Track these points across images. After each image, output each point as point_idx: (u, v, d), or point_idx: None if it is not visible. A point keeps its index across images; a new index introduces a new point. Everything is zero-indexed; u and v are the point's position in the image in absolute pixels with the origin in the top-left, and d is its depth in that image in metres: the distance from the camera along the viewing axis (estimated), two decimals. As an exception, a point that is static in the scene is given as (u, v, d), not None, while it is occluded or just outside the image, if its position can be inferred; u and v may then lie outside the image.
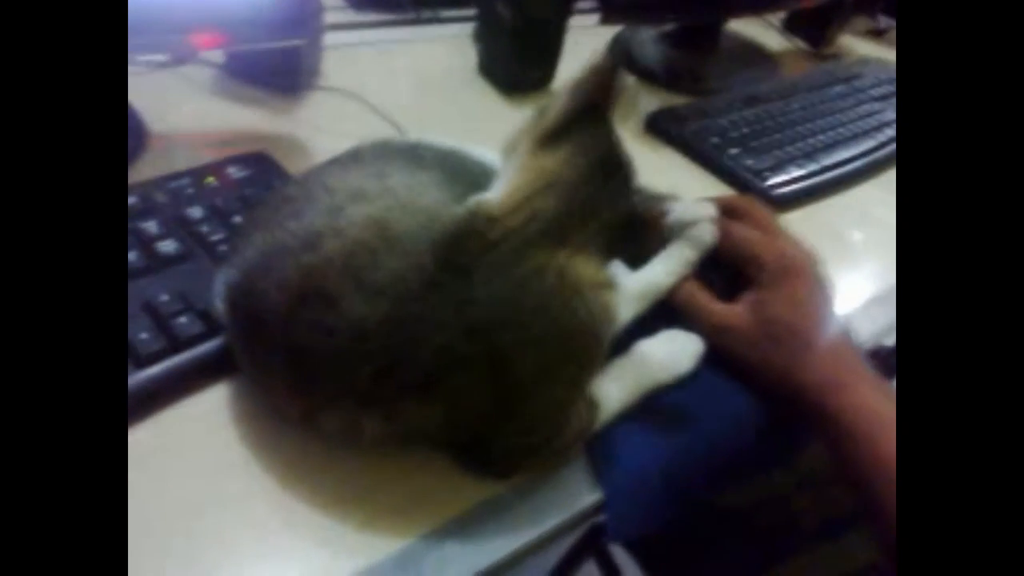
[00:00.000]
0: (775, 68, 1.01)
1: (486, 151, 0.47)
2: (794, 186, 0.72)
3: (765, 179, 0.71)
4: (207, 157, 0.57)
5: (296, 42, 0.65)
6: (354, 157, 0.43)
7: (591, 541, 1.01)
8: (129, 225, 0.48)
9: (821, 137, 0.80)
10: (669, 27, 0.99)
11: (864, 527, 0.68)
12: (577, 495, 0.42)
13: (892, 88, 0.95)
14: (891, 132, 0.84)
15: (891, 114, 0.88)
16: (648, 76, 0.92)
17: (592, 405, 0.42)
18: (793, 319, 0.46)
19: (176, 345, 0.42)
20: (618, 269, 0.52)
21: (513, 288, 0.36)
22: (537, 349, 0.37)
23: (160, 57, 0.69)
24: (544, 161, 0.40)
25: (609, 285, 0.41)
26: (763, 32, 1.12)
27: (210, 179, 0.55)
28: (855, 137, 0.82)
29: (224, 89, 0.70)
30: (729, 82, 0.93)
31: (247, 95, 0.70)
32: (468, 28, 0.92)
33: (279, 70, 0.71)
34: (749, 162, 0.73)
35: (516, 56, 0.79)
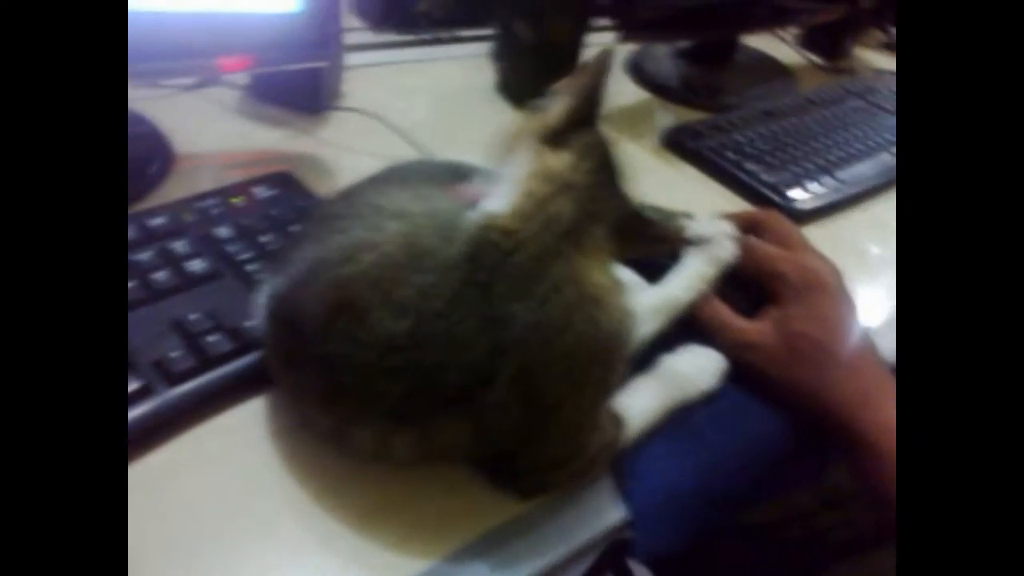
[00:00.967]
0: (790, 83, 1.01)
1: None
2: (812, 201, 0.72)
3: (783, 194, 0.71)
4: (233, 177, 0.58)
5: (318, 64, 0.66)
6: (400, 176, 0.44)
7: (610, 557, 1.00)
8: (159, 245, 0.49)
9: (838, 152, 0.80)
10: (685, 43, 1.00)
11: (890, 546, 0.67)
12: (603, 512, 0.42)
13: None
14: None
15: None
16: (664, 92, 0.92)
17: (617, 420, 0.42)
18: (818, 335, 0.46)
19: (207, 363, 0.43)
20: (637, 284, 0.52)
21: (535, 303, 0.35)
22: (562, 362, 0.36)
23: (187, 80, 0.70)
24: (551, 162, 0.39)
25: (623, 291, 0.41)
26: (778, 47, 1.12)
27: (237, 199, 0.55)
28: (872, 151, 0.82)
29: (248, 110, 0.71)
30: (745, 97, 0.93)
31: (271, 116, 0.71)
32: (485, 48, 0.93)
33: (301, 91, 0.72)
34: (767, 177, 0.73)
35: (534, 75, 0.80)
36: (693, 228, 0.52)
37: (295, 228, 0.53)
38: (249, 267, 0.49)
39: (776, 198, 0.71)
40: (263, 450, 0.41)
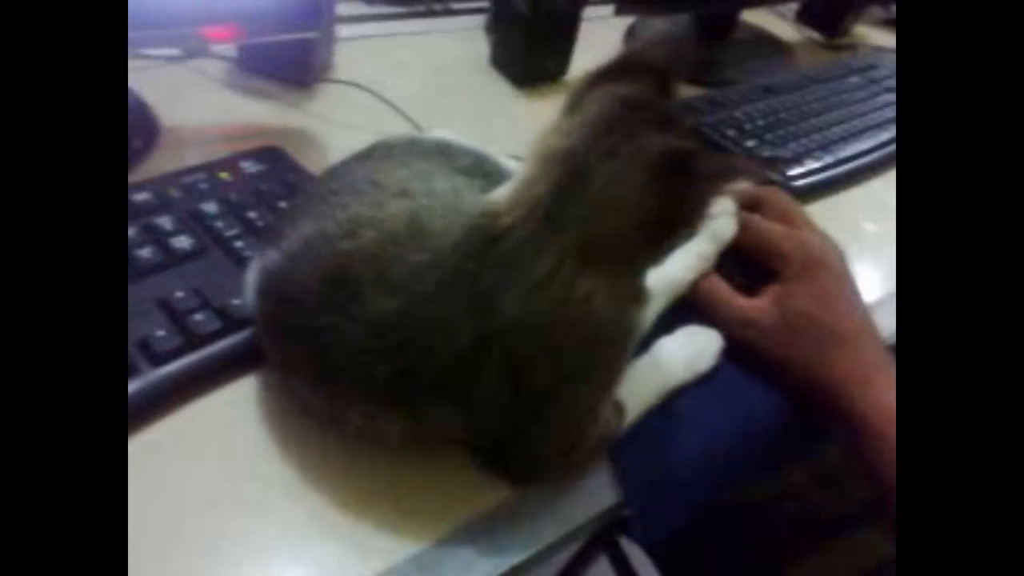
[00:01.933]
0: (789, 59, 1.00)
1: (510, 161, 0.46)
2: (811, 178, 0.71)
3: (782, 171, 0.70)
4: (220, 151, 0.57)
5: (308, 35, 0.64)
6: (387, 154, 0.43)
7: (602, 536, 1.01)
8: (143, 221, 0.47)
9: (837, 129, 0.79)
10: (683, 17, 0.98)
11: (883, 522, 0.67)
12: (598, 494, 0.42)
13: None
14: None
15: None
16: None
17: (619, 410, 0.41)
18: (817, 313, 0.46)
19: (193, 342, 0.42)
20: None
21: (520, 295, 0.34)
22: (550, 357, 0.36)
23: (172, 51, 0.68)
24: (548, 138, 0.37)
25: (636, 298, 0.39)
26: (776, 23, 1.11)
27: (224, 174, 0.54)
28: (871, 129, 0.81)
29: (236, 83, 0.69)
30: (744, 73, 0.92)
31: (259, 89, 0.69)
32: (479, 20, 0.91)
33: (291, 63, 0.70)
34: (766, 154, 0.72)
35: (530, 48, 0.78)
36: None
37: (284, 203, 0.51)
38: (237, 243, 0.48)
39: (775, 175, 0.70)
40: (251, 431, 0.41)
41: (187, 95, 0.66)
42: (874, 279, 0.63)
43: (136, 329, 0.41)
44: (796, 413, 0.48)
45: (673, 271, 0.48)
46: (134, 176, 0.54)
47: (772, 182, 0.69)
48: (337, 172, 0.43)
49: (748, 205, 0.52)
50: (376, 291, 0.35)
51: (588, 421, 0.40)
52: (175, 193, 0.51)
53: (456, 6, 0.95)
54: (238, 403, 0.42)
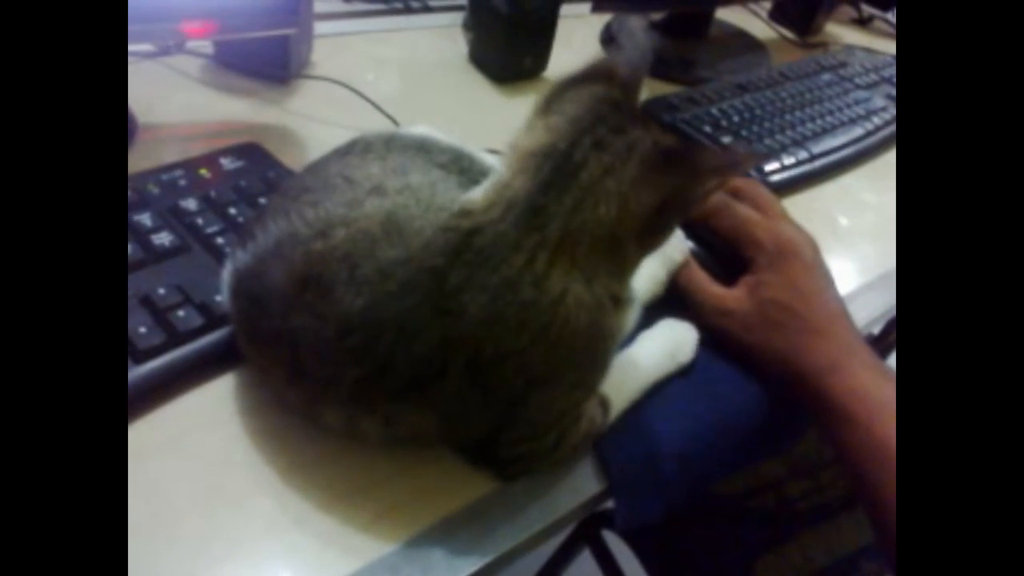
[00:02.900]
0: (763, 57, 1.01)
1: (489, 156, 0.46)
2: (786, 174, 0.72)
3: (759, 167, 0.71)
4: (198, 148, 0.57)
5: (287, 31, 0.64)
6: (366, 149, 0.42)
7: (586, 528, 1.01)
8: (123, 218, 0.47)
9: (811, 125, 0.80)
10: (659, 15, 0.99)
11: (857, 510, 0.69)
12: (583, 484, 0.42)
13: (878, 76, 0.96)
14: (879, 120, 0.85)
15: (879, 102, 0.89)
16: (638, 65, 0.92)
17: (603, 403, 0.42)
18: (791, 301, 0.47)
19: (175, 339, 0.41)
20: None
21: (486, 297, 0.33)
22: (522, 359, 0.35)
23: (148, 47, 0.68)
24: (525, 136, 0.36)
25: (618, 299, 0.37)
26: (751, 21, 1.12)
27: (203, 171, 0.54)
28: (844, 125, 0.82)
29: (213, 79, 0.69)
30: (719, 70, 0.93)
31: (237, 85, 0.69)
32: (458, 17, 0.91)
33: (269, 59, 0.70)
34: (742, 150, 0.73)
35: (508, 45, 0.78)
36: None
37: (264, 199, 0.51)
38: (218, 240, 0.48)
39: (751, 171, 0.71)
40: (234, 428, 0.41)
41: (164, 92, 0.66)
42: (848, 271, 0.65)
43: (117, 326, 0.41)
44: (775, 405, 0.49)
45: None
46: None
47: (747, 178, 0.70)
48: (313, 168, 0.43)
49: (729, 194, 0.52)
50: (346, 290, 0.34)
51: (569, 422, 0.40)
52: (154, 190, 0.50)
53: (434, 3, 0.95)
54: (220, 400, 0.42)
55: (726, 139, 0.74)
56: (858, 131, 0.82)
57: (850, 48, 1.09)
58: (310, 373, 0.36)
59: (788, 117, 0.81)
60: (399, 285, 0.34)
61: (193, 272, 0.45)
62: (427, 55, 0.85)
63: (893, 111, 0.88)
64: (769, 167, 0.72)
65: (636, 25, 0.42)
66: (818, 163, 0.75)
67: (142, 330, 0.41)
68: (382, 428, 0.37)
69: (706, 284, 0.50)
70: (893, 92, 0.93)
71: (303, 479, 0.39)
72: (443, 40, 0.87)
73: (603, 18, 0.98)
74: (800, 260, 0.48)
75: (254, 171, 0.55)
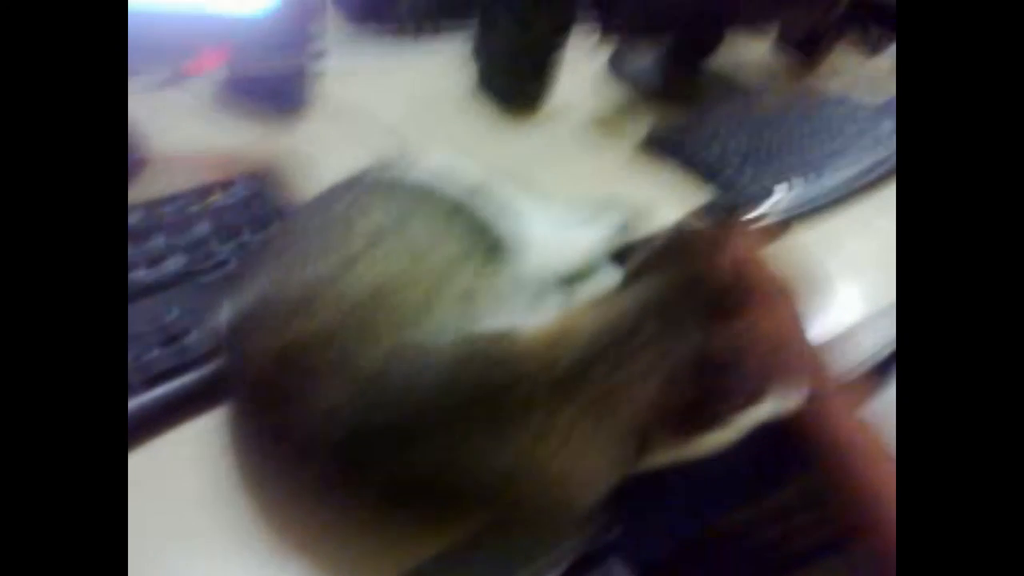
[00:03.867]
0: (770, 83, 1.02)
1: (502, 191, 0.46)
2: (793, 201, 0.72)
3: (766, 194, 0.71)
4: (209, 177, 0.57)
5: (296, 62, 0.65)
6: (372, 187, 0.42)
7: (587, 564, 1.00)
8: (135, 244, 0.48)
9: (817, 153, 0.80)
10: (666, 42, 1.00)
11: (861, 543, 0.68)
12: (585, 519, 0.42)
13: (886, 103, 0.96)
14: (886, 149, 0.85)
15: (887, 129, 0.89)
16: (645, 91, 0.92)
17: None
18: (774, 340, 0.46)
19: (186, 364, 0.42)
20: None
21: (508, 452, 0.33)
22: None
23: (159, 76, 0.69)
24: (603, 305, 0.36)
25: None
26: (757, 48, 1.13)
27: (213, 198, 0.54)
28: (852, 152, 0.82)
29: (223, 108, 0.70)
30: (726, 97, 0.93)
31: (246, 115, 0.70)
32: (465, 47, 0.92)
33: (278, 90, 0.71)
34: (748, 177, 0.73)
35: (515, 72, 0.79)
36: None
37: (273, 228, 0.52)
38: (228, 267, 0.48)
39: (758, 199, 0.71)
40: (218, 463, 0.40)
41: (174, 120, 0.66)
42: (857, 299, 0.64)
43: (129, 350, 0.41)
44: (773, 443, 0.49)
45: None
46: (123, 200, 0.54)
47: (754, 205, 0.70)
48: (316, 204, 0.42)
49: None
50: (331, 383, 0.33)
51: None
52: (165, 217, 0.51)
53: (443, 31, 0.96)
54: (204, 436, 0.41)
55: (734, 165, 0.74)
56: (866, 159, 0.82)
57: (857, 76, 1.09)
58: (290, 448, 0.35)
59: (794, 145, 0.81)
60: (408, 399, 0.32)
61: (202, 298, 0.45)
62: (435, 83, 0.85)
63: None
64: (776, 194, 0.72)
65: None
66: (825, 191, 0.75)
67: (155, 353, 0.41)
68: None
69: None
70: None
71: (284, 521, 0.38)
72: (450, 70, 0.88)
73: (610, 45, 0.99)
74: (788, 302, 0.48)
75: (264, 199, 0.55)
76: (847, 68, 1.15)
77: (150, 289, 0.45)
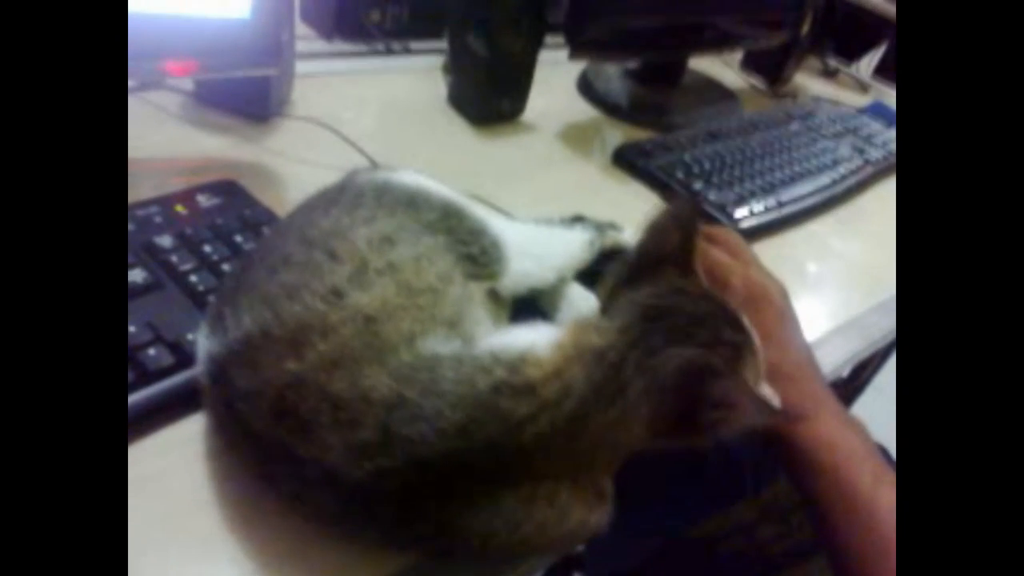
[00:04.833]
0: (734, 105, 1.04)
1: (477, 208, 0.47)
2: (756, 220, 0.74)
3: (729, 213, 0.73)
4: (175, 185, 0.57)
5: (268, 71, 0.65)
6: (356, 203, 0.42)
7: (556, 573, 1.00)
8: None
9: (779, 173, 0.83)
10: (634, 63, 1.02)
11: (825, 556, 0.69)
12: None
13: (844, 127, 1.00)
14: (844, 169, 0.88)
15: (845, 151, 0.92)
16: (613, 110, 0.94)
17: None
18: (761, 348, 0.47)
19: (145, 377, 0.41)
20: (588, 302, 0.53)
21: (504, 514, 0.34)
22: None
23: (128, 83, 0.68)
24: (585, 331, 0.36)
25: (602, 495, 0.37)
26: (722, 71, 1.16)
27: (179, 207, 0.54)
28: (812, 173, 0.85)
29: (192, 116, 0.69)
30: (691, 118, 0.96)
31: (216, 122, 0.69)
32: (438, 60, 0.93)
33: (249, 97, 0.70)
34: (713, 196, 0.75)
35: (487, 88, 0.80)
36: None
37: (240, 237, 0.51)
38: (192, 278, 0.47)
39: (721, 217, 0.73)
40: (200, 470, 0.40)
41: (142, 127, 0.66)
42: (816, 317, 0.66)
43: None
44: (747, 451, 0.50)
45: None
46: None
47: (718, 223, 0.72)
48: (298, 220, 0.42)
49: (704, 238, 0.54)
50: (330, 431, 0.33)
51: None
52: (129, 226, 0.50)
53: (415, 46, 0.97)
54: (191, 439, 0.41)
55: (698, 185, 0.76)
56: (825, 179, 0.84)
57: (817, 99, 1.13)
58: (279, 490, 0.36)
59: (757, 165, 0.83)
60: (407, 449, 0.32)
61: (165, 310, 0.45)
62: (407, 96, 0.86)
63: (859, 161, 0.91)
64: (739, 214, 0.74)
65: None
66: (786, 210, 0.77)
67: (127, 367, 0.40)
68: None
69: None
70: (859, 143, 0.97)
71: (270, 523, 0.38)
72: (423, 82, 0.89)
73: (579, 65, 1.00)
74: (771, 306, 0.49)
75: (231, 209, 0.55)
76: (806, 93, 1.19)
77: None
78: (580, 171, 0.79)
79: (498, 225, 0.46)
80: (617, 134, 0.89)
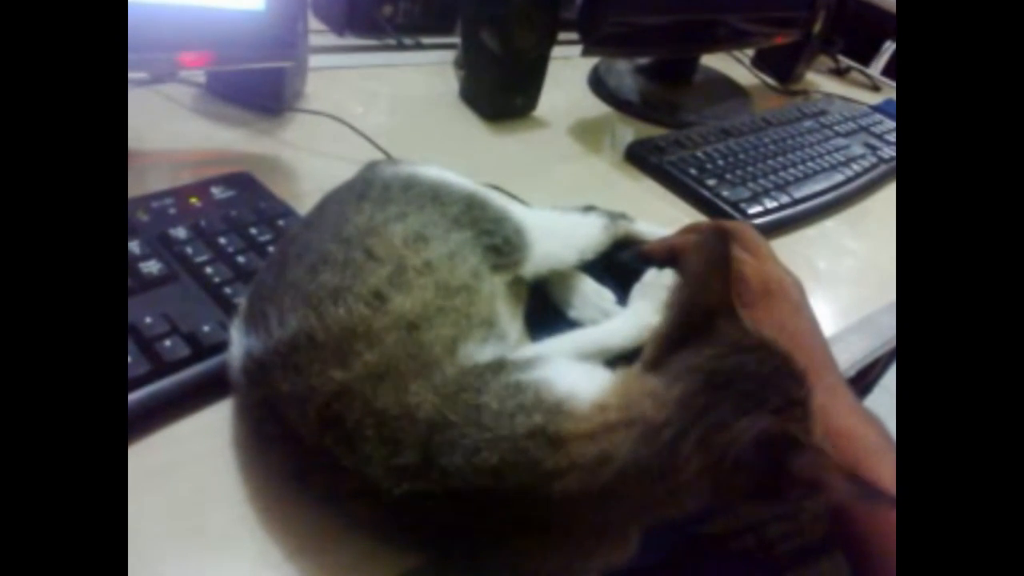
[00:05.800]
0: (746, 102, 1.04)
1: (498, 197, 0.47)
2: (769, 217, 0.74)
3: (742, 210, 0.73)
4: (189, 177, 0.57)
5: (281, 64, 0.64)
6: (384, 196, 0.41)
7: None
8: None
9: (792, 171, 0.82)
10: (646, 60, 1.02)
11: (838, 554, 0.69)
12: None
13: (856, 125, 0.99)
14: (857, 167, 0.87)
15: (857, 149, 0.92)
16: (625, 107, 0.94)
17: None
18: (777, 340, 0.47)
19: (161, 369, 0.41)
20: (607, 299, 0.52)
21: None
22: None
23: (141, 75, 0.68)
24: (635, 386, 0.35)
25: None
26: (734, 68, 1.15)
27: (193, 199, 0.54)
28: (824, 171, 0.84)
29: (206, 108, 0.69)
30: (703, 115, 0.95)
31: (229, 115, 0.69)
32: (449, 55, 0.92)
33: (262, 91, 0.70)
34: (726, 193, 0.75)
35: (499, 84, 0.80)
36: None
37: (254, 229, 0.51)
38: (207, 269, 0.47)
39: (735, 214, 0.72)
40: (222, 459, 0.40)
41: (156, 119, 0.66)
42: (827, 315, 0.66)
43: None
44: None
45: (615, 339, 0.47)
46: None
47: (731, 220, 0.72)
48: (329, 214, 0.41)
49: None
50: (375, 446, 0.33)
51: None
52: (144, 217, 0.50)
53: (427, 41, 0.97)
54: (208, 431, 0.41)
55: (711, 182, 0.76)
56: (838, 177, 0.84)
57: (829, 97, 1.12)
58: (316, 489, 0.36)
59: (771, 162, 0.83)
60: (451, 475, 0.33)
61: (181, 301, 0.45)
62: (419, 91, 0.86)
63: (871, 159, 0.91)
64: (752, 211, 0.73)
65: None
66: (800, 207, 0.77)
67: (128, 359, 0.40)
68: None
69: None
70: (871, 140, 0.96)
71: (287, 517, 0.38)
72: (435, 77, 0.89)
73: (591, 61, 1.00)
74: (787, 300, 0.49)
75: (245, 201, 0.55)
76: (817, 90, 1.18)
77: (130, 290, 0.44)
78: (592, 167, 0.79)
79: (519, 211, 0.46)
80: (629, 131, 0.89)
